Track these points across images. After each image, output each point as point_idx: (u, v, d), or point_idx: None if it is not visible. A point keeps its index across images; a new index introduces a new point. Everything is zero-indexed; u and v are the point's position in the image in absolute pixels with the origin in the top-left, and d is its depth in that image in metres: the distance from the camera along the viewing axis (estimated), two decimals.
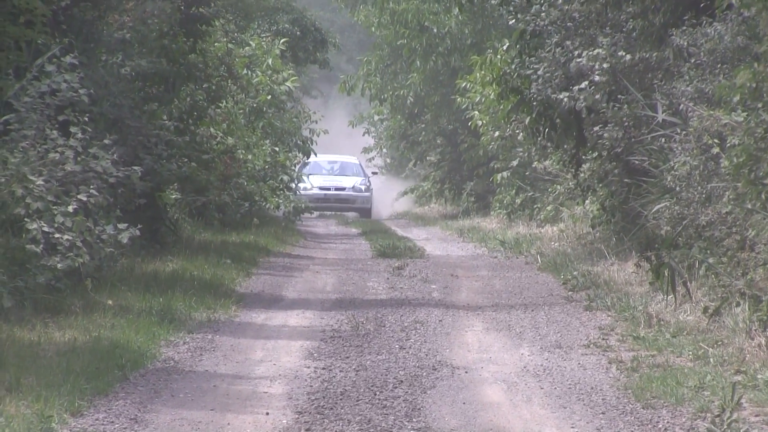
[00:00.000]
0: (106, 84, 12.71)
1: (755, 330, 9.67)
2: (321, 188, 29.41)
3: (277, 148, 24.03)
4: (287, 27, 29.11)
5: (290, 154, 25.30)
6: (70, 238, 9.73)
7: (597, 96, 14.30)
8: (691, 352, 9.75)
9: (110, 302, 10.68)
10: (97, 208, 10.60)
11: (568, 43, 15.13)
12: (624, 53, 14.12)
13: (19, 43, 11.27)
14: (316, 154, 27.77)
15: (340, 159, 34.20)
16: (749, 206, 10.68)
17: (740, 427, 6.78)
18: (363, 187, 30.75)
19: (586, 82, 14.33)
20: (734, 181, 10.79)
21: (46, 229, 9.57)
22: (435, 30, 30.24)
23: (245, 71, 21.94)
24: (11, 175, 9.52)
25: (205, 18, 16.12)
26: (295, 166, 26.76)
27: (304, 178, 27.85)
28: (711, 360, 9.32)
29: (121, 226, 10.67)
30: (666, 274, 11.80)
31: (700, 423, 7.20)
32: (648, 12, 14.74)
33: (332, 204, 29.73)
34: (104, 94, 12.55)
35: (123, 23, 13.83)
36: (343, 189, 29.93)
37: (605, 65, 14.07)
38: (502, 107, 18.76)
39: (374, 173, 35.84)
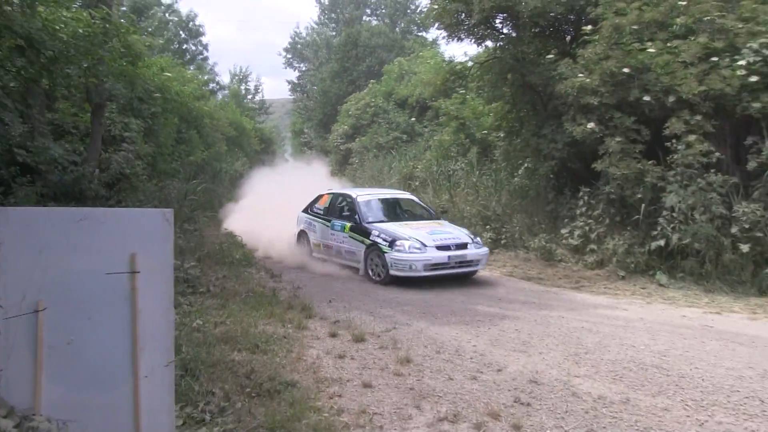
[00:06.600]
0: None
1: None
2: (440, 247, 16.69)
3: None
4: None
5: None
6: None
7: None
8: None
9: None
10: None
11: None
12: None
13: None
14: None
15: (393, 193, 20.55)
16: None
17: None
18: (480, 240, 17.77)
19: None
20: None
21: None
22: None
23: None
24: None
25: None
26: None
27: (394, 230, 17.10)
28: None
29: None
30: None
31: None
32: None
33: (452, 270, 16.78)
34: None
35: None
36: (464, 245, 17.01)
37: None
38: None
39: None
